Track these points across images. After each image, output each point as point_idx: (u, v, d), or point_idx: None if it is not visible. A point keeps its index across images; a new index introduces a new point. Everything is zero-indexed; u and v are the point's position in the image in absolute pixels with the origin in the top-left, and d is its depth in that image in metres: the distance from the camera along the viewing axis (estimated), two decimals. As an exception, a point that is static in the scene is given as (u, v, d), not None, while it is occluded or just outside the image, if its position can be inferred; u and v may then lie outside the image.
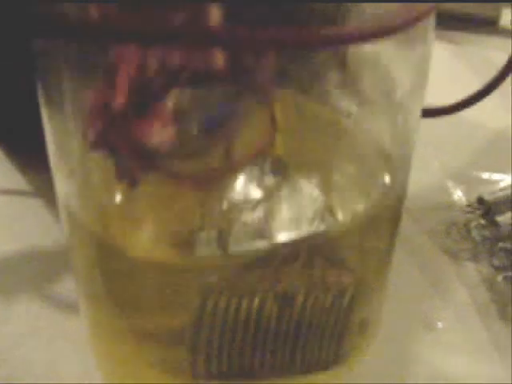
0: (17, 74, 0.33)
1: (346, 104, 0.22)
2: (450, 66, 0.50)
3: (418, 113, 0.23)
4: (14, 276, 0.32)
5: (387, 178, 0.22)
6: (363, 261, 0.23)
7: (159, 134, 0.18)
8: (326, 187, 0.21)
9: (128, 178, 0.18)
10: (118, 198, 0.20)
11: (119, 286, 0.23)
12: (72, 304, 0.29)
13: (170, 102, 0.18)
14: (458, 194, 0.38)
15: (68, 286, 0.31)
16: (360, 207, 0.22)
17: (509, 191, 0.37)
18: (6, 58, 0.36)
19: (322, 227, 0.21)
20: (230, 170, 0.19)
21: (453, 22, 0.54)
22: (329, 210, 0.21)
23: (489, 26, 0.55)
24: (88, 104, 0.18)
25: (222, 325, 0.22)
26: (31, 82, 0.20)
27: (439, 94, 0.31)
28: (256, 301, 0.22)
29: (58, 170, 0.21)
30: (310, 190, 0.21)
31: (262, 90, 0.19)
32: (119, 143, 0.17)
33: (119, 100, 0.16)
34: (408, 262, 0.33)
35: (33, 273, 0.32)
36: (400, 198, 0.23)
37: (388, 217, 0.23)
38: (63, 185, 0.21)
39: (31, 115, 0.24)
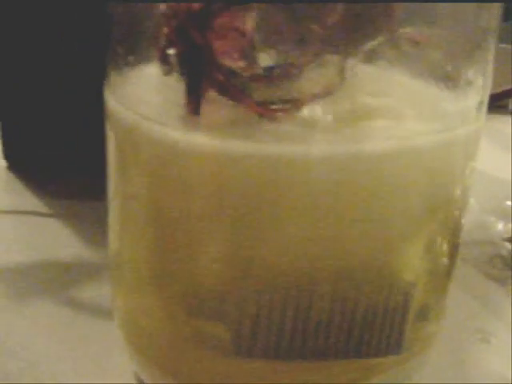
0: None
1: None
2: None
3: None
4: (28, 282, 0.32)
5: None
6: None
7: (233, 56, 0.18)
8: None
9: (195, 97, 0.18)
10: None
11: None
12: (86, 309, 0.29)
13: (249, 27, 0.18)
14: (499, 228, 0.38)
15: (82, 294, 0.31)
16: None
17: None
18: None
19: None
20: (300, 105, 0.19)
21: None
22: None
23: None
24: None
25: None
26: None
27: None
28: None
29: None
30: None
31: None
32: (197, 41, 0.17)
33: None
34: (457, 288, 0.33)
35: (47, 279, 0.32)
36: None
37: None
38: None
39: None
